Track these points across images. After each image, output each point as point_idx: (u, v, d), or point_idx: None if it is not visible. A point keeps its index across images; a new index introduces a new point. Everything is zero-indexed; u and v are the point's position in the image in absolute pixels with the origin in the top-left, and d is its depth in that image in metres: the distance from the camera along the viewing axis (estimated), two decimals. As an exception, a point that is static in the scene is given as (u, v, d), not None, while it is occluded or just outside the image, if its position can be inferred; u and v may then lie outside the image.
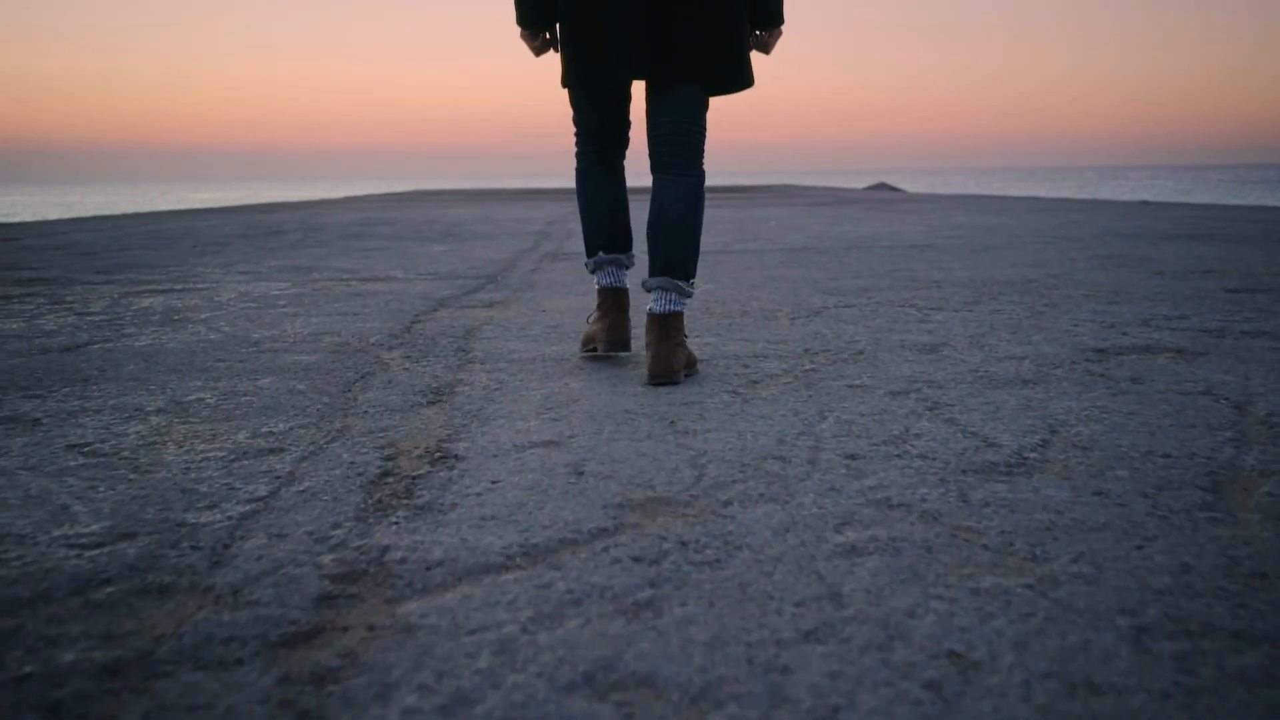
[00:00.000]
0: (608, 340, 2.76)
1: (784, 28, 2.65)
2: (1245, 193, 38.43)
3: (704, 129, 2.58)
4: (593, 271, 2.83)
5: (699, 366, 2.70)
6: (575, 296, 4.43)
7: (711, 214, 12.35)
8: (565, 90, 2.70)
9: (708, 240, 7.60)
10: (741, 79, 2.55)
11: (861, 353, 2.90)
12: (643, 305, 3.35)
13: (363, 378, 2.67)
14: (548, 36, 2.66)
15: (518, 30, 2.65)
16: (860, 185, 40.19)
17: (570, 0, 2.48)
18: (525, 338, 3.29)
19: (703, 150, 2.59)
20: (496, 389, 2.51)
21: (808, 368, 2.70)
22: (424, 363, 2.87)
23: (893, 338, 3.14)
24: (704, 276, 5.06)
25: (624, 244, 2.81)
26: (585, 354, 2.91)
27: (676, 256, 2.53)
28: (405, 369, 2.78)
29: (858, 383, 2.49)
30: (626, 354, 2.92)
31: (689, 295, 2.54)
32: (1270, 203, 22.06)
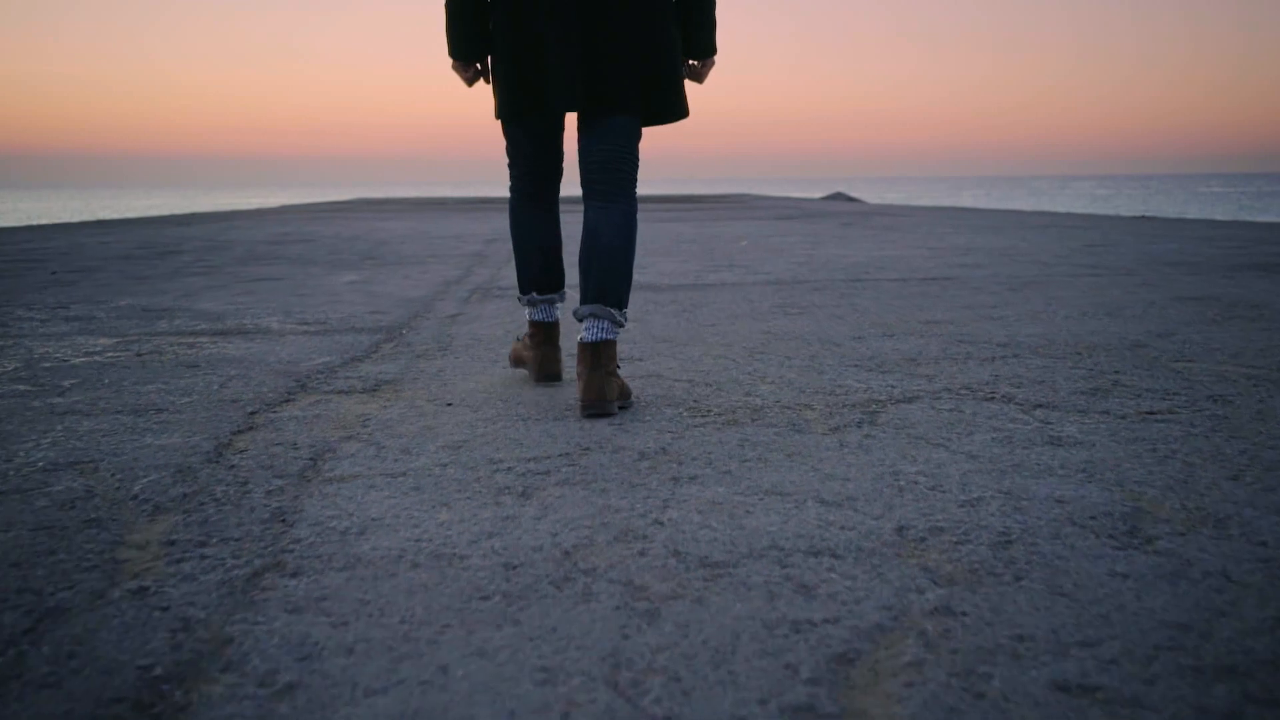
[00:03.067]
0: (540, 375, 2.84)
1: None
2: (1209, 204, 38.08)
3: (636, 158, 2.59)
4: (525, 305, 2.86)
5: (634, 397, 2.63)
6: (500, 367, 3.10)
7: (671, 229, 11.00)
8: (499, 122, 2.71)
9: (675, 271, 6.27)
10: (676, 110, 2.56)
11: (1009, 541, 1.56)
12: (573, 334, 3.45)
13: (26, 635, 1.30)
14: (479, 67, 2.67)
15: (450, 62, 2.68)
16: (817, 195, 39.07)
17: (503, 34, 2.50)
18: (403, 477, 1.93)
19: (635, 179, 2.59)
20: (291, 687, 1.15)
21: (929, 602, 1.35)
22: (188, 566, 1.51)
23: (1037, 491, 1.81)
24: (679, 328, 3.72)
25: (556, 284, 2.84)
26: (513, 368, 3.02)
27: (609, 284, 2.52)
28: (135, 596, 1.41)
29: (1073, 677, 1.16)
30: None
31: (621, 325, 2.51)
32: (1258, 218, 21.57)
